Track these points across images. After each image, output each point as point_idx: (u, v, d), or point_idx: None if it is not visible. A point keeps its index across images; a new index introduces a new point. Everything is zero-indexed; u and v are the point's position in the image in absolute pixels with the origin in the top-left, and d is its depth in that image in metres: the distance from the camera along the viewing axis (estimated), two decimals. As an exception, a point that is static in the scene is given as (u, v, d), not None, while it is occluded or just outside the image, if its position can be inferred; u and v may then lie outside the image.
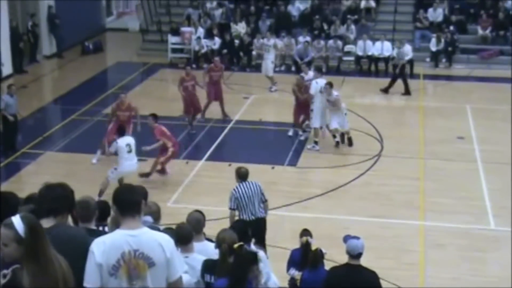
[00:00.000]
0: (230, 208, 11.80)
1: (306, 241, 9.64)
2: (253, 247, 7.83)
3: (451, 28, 27.42)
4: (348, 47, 27.20)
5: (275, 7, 29.42)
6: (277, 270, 8.70)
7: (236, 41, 27.37)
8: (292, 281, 9.82)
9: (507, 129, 19.87)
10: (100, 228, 6.94)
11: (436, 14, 28.24)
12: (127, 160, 15.35)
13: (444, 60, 27.05)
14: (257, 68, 26.60)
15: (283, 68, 26.95)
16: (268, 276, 7.22)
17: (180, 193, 16.11)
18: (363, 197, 15.83)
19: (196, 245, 7.37)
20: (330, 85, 18.51)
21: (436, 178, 17.07)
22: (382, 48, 26.30)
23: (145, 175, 16.46)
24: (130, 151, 15.39)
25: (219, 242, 6.91)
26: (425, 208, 15.40)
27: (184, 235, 7.12)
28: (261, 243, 11.11)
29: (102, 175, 15.69)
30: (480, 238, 14.11)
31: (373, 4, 29.34)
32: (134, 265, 4.86)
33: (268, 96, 23.89)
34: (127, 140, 15.50)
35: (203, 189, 16.35)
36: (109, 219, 7.80)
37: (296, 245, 10.05)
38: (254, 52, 26.86)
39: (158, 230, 6.37)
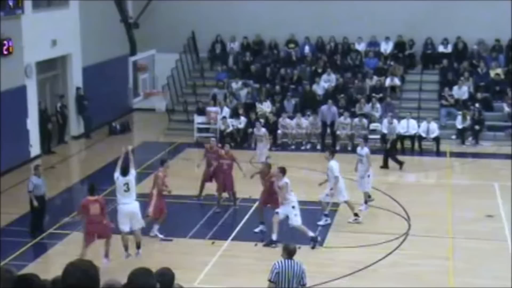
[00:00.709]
0: (270, 280, 11.43)
1: None
2: None
3: (477, 105, 27.52)
4: (373, 125, 27.35)
5: (300, 86, 29.78)
6: None
7: (262, 121, 27.61)
8: None
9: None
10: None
11: (461, 91, 28.40)
12: (124, 199, 15.42)
13: (470, 138, 27.05)
14: (283, 147, 26.83)
15: (308, 146, 27.08)
16: None
17: (206, 273, 16.05)
18: (391, 278, 15.66)
19: None
20: (282, 171, 17.89)
21: (465, 257, 16.88)
22: (407, 126, 26.39)
23: None
24: (127, 190, 15.30)
25: None
26: (455, 289, 15.21)
27: None
28: None
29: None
30: (512, 320, 13.86)
31: (398, 82, 29.59)
32: None
33: (294, 174, 23.88)
34: (126, 180, 15.56)
35: (229, 269, 16.29)
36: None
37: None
38: (279, 131, 27.10)
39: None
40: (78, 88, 28.74)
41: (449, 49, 30.75)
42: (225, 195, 20.55)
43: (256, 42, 32.15)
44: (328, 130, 27.12)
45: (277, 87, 29.45)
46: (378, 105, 28.03)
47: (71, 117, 28.59)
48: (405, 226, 18.84)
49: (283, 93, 29.27)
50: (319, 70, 30.42)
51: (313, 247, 17.47)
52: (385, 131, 26.53)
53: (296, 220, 17.59)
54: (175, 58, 31.13)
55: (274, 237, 17.61)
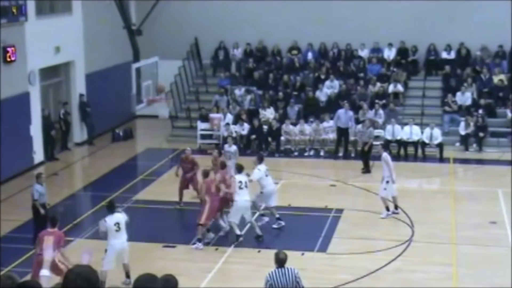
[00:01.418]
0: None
1: None
2: None
3: (480, 111, 27.51)
4: (376, 132, 27.31)
5: (303, 93, 29.80)
6: None
7: (265, 127, 27.64)
8: None
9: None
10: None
11: (464, 97, 28.40)
12: (116, 239, 15.30)
13: (474, 144, 27.04)
14: (286, 153, 26.86)
15: (312, 153, 27.09)
16: None
17: (209, 280, 16.05)
18: (394, 284, 15.63)
19: None
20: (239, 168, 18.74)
21: (469, 264, 16.86)
22: (411, 132, 26.40)
23: None
24: (118, 230, 15.23)
25: None
26: (459, 295, 15.20)
27: None
28: None
29: (131, 263, 15.69)
30: (516, 326, 13.84)
31: (401, 88, 29.58)
32: None
33: (297, 181, 23.96)
34: (116, 219, 15.33)
35: (232, 276, 16.30)
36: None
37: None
38: (282, 138, 27.12)
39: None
40: (81, 95, 28.80)
41: (452, 55, 30.74)
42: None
43: (259, 48, 32.18)
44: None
45: (280, 94, 29.46)
46: (381, 111, 28.01)
47: (74, 123, 28.64)
48: (408, 232, 18.84)
49: (286, 100, 29.27)
50: (322, 77, 30.43)
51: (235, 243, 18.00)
52: (388, 137, 26.56)
53: (230, 215, 18.34)
54: (178, 65, 31.18)
55: (237, 232, 18.17)
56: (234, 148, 22.39)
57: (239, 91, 29.92)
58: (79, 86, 28.80)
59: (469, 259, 17.17)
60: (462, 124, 27.08)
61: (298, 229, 19.57)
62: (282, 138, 27.20)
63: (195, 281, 15.78)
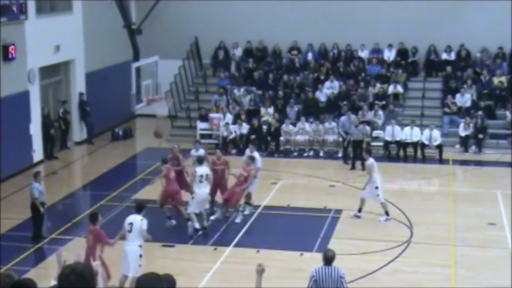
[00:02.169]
0: None
1: None
2: None
3: (480, 113, 27.53)
4: (376, 133, 27.34)
5: (302, 93, 29.81)
6: None
7: (264, 127, 27.64)
8: None
9: (539, 216, 19.76)
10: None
11: (464, 99, 28.41)
12: (126, 240, 15.13)
13: (473, 146, 27.05)
14: (285, 153, 26.88)
15: (311, 153, 27.11)
16: None
17: (208, 280, 16.07)
18: (392, 286, 15.65)
19: None
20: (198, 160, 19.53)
21: (467, 265, 16.89)
22: (411, 133, 26.40)
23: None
24: (130, 231, 15.00)
25: None
26: (457, 296, 15.22)
27: None
28: None
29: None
30: (514, 328, 13.85)
31: (400, 89, 29.60)
32: None
33: (296, 181, 23.98)
34: (131, 219, 15.20)
35: (231, 276, 16.30)
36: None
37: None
38: (282, 138, 27.14)
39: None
40: (81, 94, 28.80)
41: (452, 56, 30.75)
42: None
43: (259, 48, 32.19)
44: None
45: (280, 93, 29.47)
46: (380, 112, 28.03)
47: (74, 122, 28.65)
48: (407, 233, 18.86)
49: (285, 100, 29.30)
50: (322, 77, 30.45)
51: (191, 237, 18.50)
52: (388, 138, 26.59)
53: (190, 207, 18.84)
54: (178, 64, 31.18)
55: (196, 225, 18.67)
56: (202, 152, 21.23)
57: (238, 91, 29.93)
58: (79, 85, 28.80)
59: (468, 261, 17.18)
60: (462, 125, 27.10)
61: (297, 230, 19.58)
62: (282, 138, 27.21)
63: (194, 281, 15.79)
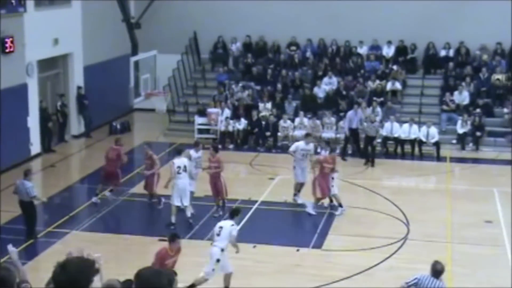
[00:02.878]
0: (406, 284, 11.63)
1: None
2: None
3: (478, 111, 27.56)
4: (373, 129, 27.33)
5: (301, 89, 29.81)
6: None
7: (262, 122, 27.64)
8: None
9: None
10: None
11: (462, 96, 28.44)
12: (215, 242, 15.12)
13: (471, 144, 27.09)
14: (283, 149, 26.85)
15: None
16: None
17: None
18: (387, 282, 15.66)
19: None
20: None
21: (464, 263, 16.92)
22: (409, 130, 26.42)
23: None
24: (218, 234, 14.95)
25: None
26: (455, 294, 15.25)
27: None
28: None
29: (127, 256, 15.71)
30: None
31: (399, 86, 29.62)
32: None
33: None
34: (221, 224, 15.13)
35: (227, 271, 16.29)
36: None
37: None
38: (280, 133, 27.15)
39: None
40: (79, 87, 28.79)
41: (451, 53, 30.75)
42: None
43: (258, 43, 32.16)
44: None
45: (279, 86, 29.48)
46: (378, 109, 28.03)
47: (72, 116, 28.66)
48: (404, 230, 18.89)
49: (283, 95, 29.31)
50: (320, 73, 30.46)
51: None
52: (385, 134, 26.62)
53: (172, 199, 19.09)
54: (177, 59, 31.16)
55: (172, 219, 18.95)
56: (200, 153, 20.99)
57: (236, 87, 29.90)
58: (77, 78, 28.79)
59: (464, 258, 17.22)
60: (459, 122, 27.13)
61: (294, 225, 19.65)
62: (279, 133, 27.21)
63: (190, 275, 15.77)
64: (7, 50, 23.51)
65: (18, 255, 8.49)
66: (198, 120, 28.55)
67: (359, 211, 20.26)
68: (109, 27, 29.87)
